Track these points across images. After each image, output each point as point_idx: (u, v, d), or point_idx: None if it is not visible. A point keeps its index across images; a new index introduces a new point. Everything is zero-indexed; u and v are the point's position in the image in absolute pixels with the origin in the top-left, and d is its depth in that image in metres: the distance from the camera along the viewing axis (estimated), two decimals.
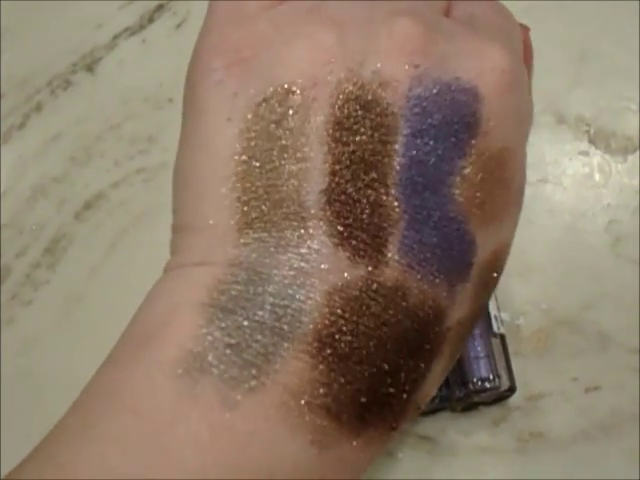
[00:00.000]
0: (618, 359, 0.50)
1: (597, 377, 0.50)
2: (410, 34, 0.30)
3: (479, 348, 0.46)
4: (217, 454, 0.27)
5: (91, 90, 0.61)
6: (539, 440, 0.49)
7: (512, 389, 0.47)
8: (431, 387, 0.31)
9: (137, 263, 0.55)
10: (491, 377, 0.46)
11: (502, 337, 0.48)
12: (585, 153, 0.55)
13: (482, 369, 0.46)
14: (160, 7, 0.62)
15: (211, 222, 0.30)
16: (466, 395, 0.46)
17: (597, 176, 0.54)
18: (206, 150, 0.31)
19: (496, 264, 0.32)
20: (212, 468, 0.27)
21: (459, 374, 0.46)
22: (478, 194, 0.30)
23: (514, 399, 0.49)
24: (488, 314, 0.47)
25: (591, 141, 0.55)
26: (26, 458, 0.28)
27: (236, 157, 0.30)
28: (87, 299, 0.55)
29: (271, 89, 0.30)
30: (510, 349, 0.48)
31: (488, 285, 0.32)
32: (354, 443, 0.29)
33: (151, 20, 0.62)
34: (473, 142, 0.30)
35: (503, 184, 0.31)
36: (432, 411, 0.49)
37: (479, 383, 0.46)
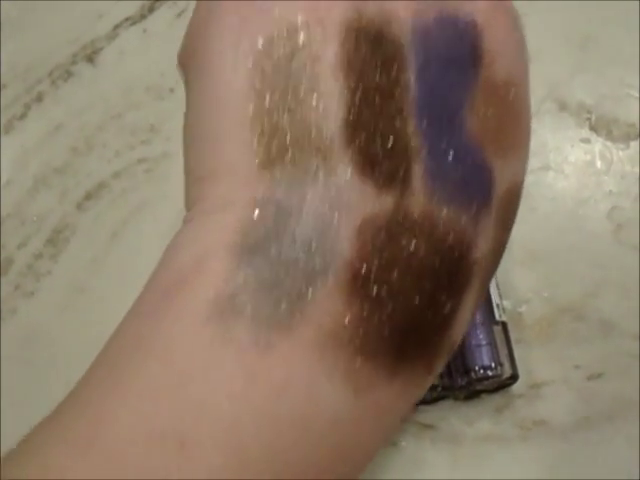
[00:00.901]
0: (621, 346, 0.50)
1: (600, 364, 0.50)
2: None
3: (481, 336, 0.46)
4: (252, 400, 0.26)
5: (92, 80, 0.61)
6: (542, 428, 0.49)
7: (514, 377, 0.47)
8: (462, 325, 0.30)
9: (139, 253, 0.55)
10: (493, 365, 0.46)
11: (504, 325, 0.48)
12: (587, 140, 0.55)
13: (484, 357, 0.46)
14: None
15: (232, 165, 0.29)
16: (468, 383, 0.46)
17: (599, 163, 0.54)
18: (218, 98, 0.30)
19: (511, 203, 0.32)
20: (247, 416, 0.26)
21: (461, 362, 0.46)
22: (491, 125, 0.30)
23: (516, 387, 0.49)
24: (490, 302, 0.47)
25: (593, 128, 0.55)
26: (57, 409, 0.28)
27: (250, 99, 0.29)
28: (89, 289, 0.55)
29: (276, 29, 0.29)
30: (512, 337, 0.48)
31: (505, 224, 0.32)
32: (391, 386, 0.28)
33: (152, 10, 0.62)
34: (479, 72, 0.30)
35: (512, 117, 0.31)
36: (434, 399, 0.49)
37: (481, 371, 0.46)
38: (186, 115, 0.32)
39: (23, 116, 0.60)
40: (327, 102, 0.29)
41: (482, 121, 0.30)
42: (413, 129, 0.29)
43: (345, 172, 0.28)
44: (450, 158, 0.29)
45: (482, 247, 0.30)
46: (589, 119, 0.55)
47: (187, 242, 0.29)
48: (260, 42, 0.29)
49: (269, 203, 0.28)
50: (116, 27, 0.62)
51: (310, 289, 0.27)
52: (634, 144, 0.54)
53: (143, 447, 0.25)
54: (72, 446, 0.26)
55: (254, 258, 0.27)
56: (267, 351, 0.26)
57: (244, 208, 0.28)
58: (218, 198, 0.29)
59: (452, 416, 0.49)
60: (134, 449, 0.25)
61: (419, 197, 0.28)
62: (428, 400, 0.48)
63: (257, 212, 0.28)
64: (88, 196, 0.57)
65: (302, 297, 0.27)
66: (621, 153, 0.54)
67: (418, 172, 0.28)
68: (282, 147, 0.29)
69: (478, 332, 0.46)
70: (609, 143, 0.54)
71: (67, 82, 0.61)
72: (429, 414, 0.49)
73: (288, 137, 0.28)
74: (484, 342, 0.46)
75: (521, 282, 0.51)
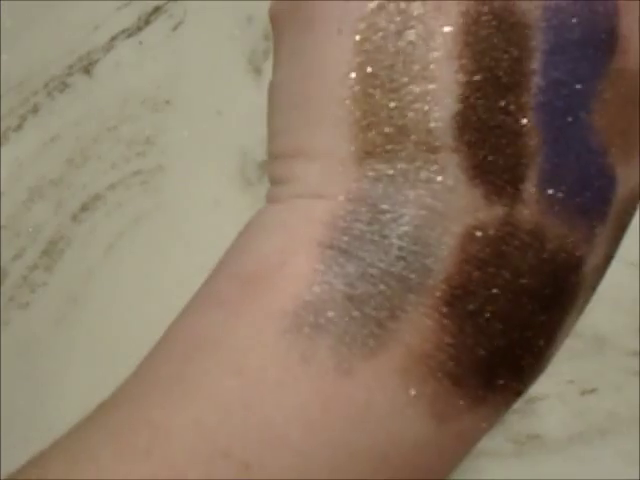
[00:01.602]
0: (615, 362, 0.50)
1: (594, 380, 0.50)
2: None
3: None
4: (327, 430, 0.24)
5: (88, 92, 0.61)
6: (536, 442, 0.49)
7: None
8: (560, 342, 0.27)
9: (134, 265, 0.55)
10: None
11: None
12: None
13: None
14: (157, 9, 0.62)
15: (327, 149, 0.26)
16: None
17: None
18: (317, 66, 0.26)
19: (633, 203, 0.28)
20: (320, 446, 0.24)
21: None
22: (620, 121, 0.26)
23: None
24: None
25: None
26: (112, 403, 0.26)
27: (352, 74, 0.25)
28: (84, 301, 0.55)
29: None
30: None
31: (623, 227, 0.28)
32: (477, 412, 0.25)
33: (148, 22, 0.62)
34: (612, 60, 0.26)
35: None
36: None
37: None
38: (276, 73, 0.29)
39: (19, 127, 0.60)
40: (439, 88, 0.25)
41: (611, 117, 0.26)
42: (532, 126, 0.25)
43: (453, 173, 0.25)
44: (571, 162, 0.25)
45: (593, 262, 0.27)
46: None
47: (272, 227, 0.27)
48: (370, 7, 0.25)
49: (366, 201, 0.25)
50: (112, 39, 0.62)
51: (402, 305, 0.24)
52: None
53: (205, 464, 0.24)
54: (128, 453, 0.24)
55: (344, 263, 0.25)
56: (348, 375, 0.24)
57: (338, 201, 0.25)
58: (310, 183, 0.26)
59: None
60: (195, 465, 0.24)
61: (531, 207, 0.25)
62: None
63: (352, 209, 0.25)
64: (84, 208, 0.57)
65: (393, 315, 0.24)
66: None
67: (533, 178, 0.25)
68: (384, 137, 0.25)
69: None
70: None
71: (63, 93, 0.61)
72: None
73: (391, 126, 0.25)
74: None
75: None
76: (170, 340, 0.27)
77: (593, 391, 0.49)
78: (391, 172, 0.25)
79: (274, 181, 0.28)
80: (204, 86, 0.60)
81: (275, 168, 0.28)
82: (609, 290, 0.51)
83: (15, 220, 0.57)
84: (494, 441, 0.49)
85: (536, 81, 0.25)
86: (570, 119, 0.25)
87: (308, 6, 0.27)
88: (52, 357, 0.54)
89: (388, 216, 0.25)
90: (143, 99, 0.60)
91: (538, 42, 0.25)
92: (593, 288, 0.28)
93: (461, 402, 0.25)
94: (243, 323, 0.25)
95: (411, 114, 0.25)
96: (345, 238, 0.25)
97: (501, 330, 0.25)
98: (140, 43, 0.62)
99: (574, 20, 0.25)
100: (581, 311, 0.28)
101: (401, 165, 0.25)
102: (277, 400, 0.24)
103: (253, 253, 0.27)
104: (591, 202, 0.26)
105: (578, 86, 0.25)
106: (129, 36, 0.62)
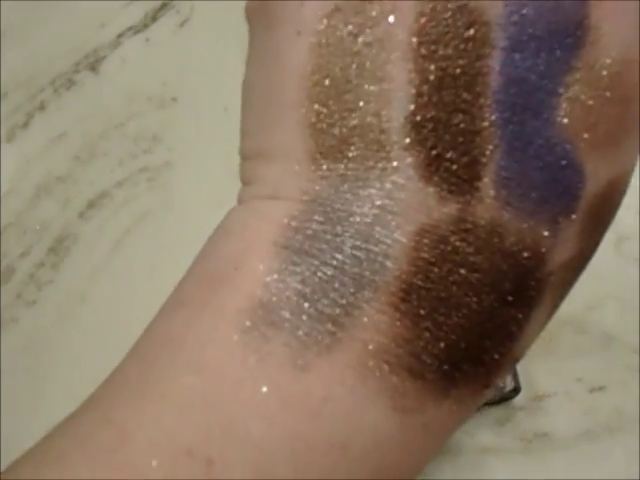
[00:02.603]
0: (622, 359, 0.50)
1: (601, 377, 0.49)
2: None
3: None
4: (286, 424, 0.24)
5: (94, 89, 0.61)
6: (543, 440, 0.49)
7: (516, 390, 0.47)
8: (530, 339, 0.27)
9: (141, 262, 0.55)
10: None
11: None
12: None
13: None
14: (164, 5, 0.62)
15: (284, 150, 0.27)
16: None
17: None
18: (276, 68, 0.27)
19: (613, 197, 0.27)
20: (279, 440, 0.24)
21: None
22: (589, 115, 0.26)
23: (518, 399, 0.49)
24: None
25: None
26: (80, 409, 0.26)
27: (308, 76, 0.26)
28: (91, 299, 0.55)
29: None
30: None
31: (602, 221, 0.28)
32: (441, 406, 0.26)
33: (155, 19, 0.62)
34: (580, 54, 0.25)
35: (619, 102, 0.26)
36: None
37: None
38: (246, 67, 0.29)
39: (25, 125, 0.60)
40: (393, 89, 0.25)
41: (580, 111, 0.26)
42: (489, 124, 0.25)
43: (406, 173, 0.25)
44: (532, 158, 0.25)
45: (560, 258, 0.26)
46: None
47: (234, 228, 0.28)
48: (328, 9, 0.26)
49: (319, 201, 0.26)
50: (119, 36, 0.62)
51: (356, 302, 0.25)
52: None
53: (169, 462, 0.24)
54: (92, 454, 0.24)
55: (299, 262, 0.25)
56: (305, 371, 0.24)
57: (294, 202, 0.26)
58: (268, 184, 0.27)
59: None
60: (159, 463, 0.24)
61: (488, 205, 0.25)
62: None
63: (306, 210, 0.26)
64: (90, 205, 0.57)
65: (347, 311, 0.25)
66: None
67: (490, 176, 0.25)
68: (338, 137, 0.26)
69: None
70: None
71: (70, 90, 0.61)
72: None
73: (345, 126, 0.26)
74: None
75: None
76: (139, 343, 0.27)
77: (601, 389, 0.49)
78: (344, 172, 0.25)
79: (242, 182, 0.29)
80: (211, 83, 0.59)
81: (243, 169, 0.29)
82: (616, 287, 0.51)
83: (22, 217, 0.57)
84: (501, 438, 0.49)
85: (494, 78, 0.25)
86: (531, 116, 0.25)
87: (271, 6, 0.27)
88: (59, 354, 0.54)
89: (341, 215, 0.25)
90: (150, 96, 0.60)
91: (497, 39, 0.25)
92: (568, 284, 0.28)
93: (423, 395, 0.25)
94: (202, 323, 0.26)
95: (365, 114, 0.25)
96: (299, 237, 0.25)
97: (459, 325, 0.25)
98: (147, 40, 0.62)
99: (537, 14, 0.25)
100: (555, 307, 0.28)
101: (354, 165, 0.25)
102: (236, 397, 0.24)
103: (214, 255, 0.27)
104: (555, 197, 0.26)
105: (540, 82, 0.25)
106: (136, 33, 0.62)
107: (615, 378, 0.49)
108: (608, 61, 0.26)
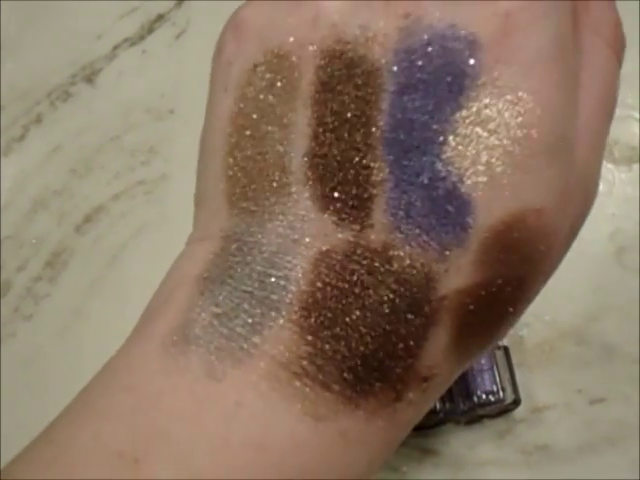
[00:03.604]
0: (623, 371, 0.49)
1: (602, 389, 0.49)
2: None
3: (483, 361, 0.46)
4: (203, 425, 0.26)
5: (91, 101, 0.61)
6: (544, 452, 0.48)
7: (516, 402, 0.47)
8: (434, 357, 0.29)
9: (138, 276, 0.55)
10: (495, 390, 0.46)
11: (506, 349, 0.48)
12: None
13: (486, 382, 0.46)
14: (160, 17, 0.62)
15: (210, 194, 0.30)
16: (470, 408, 0.46)
17: (601, 186, 0.53)
18: (209, 122, 0.31)
19: (521, 230, 0.28)
20: (197, 439, 0.26)
21: (463, 387, 0.46)
22: (480, 150, 0.27)
23: (519, 411, 0.49)
24: None
25: None
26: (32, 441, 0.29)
27: (229, 127, 0.30)
28: (88, 312, 0.55)
29: (262, 55, 0.30)
30: (514, 361, 0.48)
31: (515, 252, 0.28)
32: (354, 415, 0.28)
33: (151, 30, 0.62)
34: (471, 95, 0.28)
35: (515, 136, 0.28)
36: (436, 424, 0.48)
37: (483, 396, 0.46)
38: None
39: (22, 138, 0.60)
40: (294, 132, 0.29)
41: (471, 147, 0.27)
42: (379, 160, 0.28)
43: (304, 205, 0.28)
44: (419, 189, 0.28)
45: (456, 281, 0.28)
46: None
47: (171, 270, 0.30)
48: (247, 67, 0.30)
49: (234, 237, 0.29)
50: (115, 48, 0.62)
51: (264, 321, 0.27)
52: (636, 167, 0.54)
53: (100, 465, 0.26)
54: (33, 465, 0.27)
55: (214, 289, 0.28)
56: (218, 380, 0.27)
57: (214, 241, 0.29)
58: (200, 228, 0.31)
59: (454, 441, 0.49)
60: (92, 467, 0.26)
61: (379, 231, 0.28)
62: (429, 425, 0.48)
63: (222, 246, 0.29)
64: (87, 219, 0.57)
65: (255, 329, 0.27)
66: (623, 176, 0.54)
67: (381, 205, 0.28)
68: (248, 179, 0.29)
69: (480, 357, 0.46)
70: (611, 165, 0.54)
71: (66, 103, 0.61)
72: (431, 439, 0.49)
73: (254, 168, 0.29)
74: (486, 367, 0.46)
75: None
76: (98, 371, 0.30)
77: (602, 400, 0.49)
78: (254, 208, 0.29)
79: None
80: (207, 95, 0.59)
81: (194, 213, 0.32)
82: (617, 298, 0.51)
83: (18, 231, 0.57)
84: (502, 451, 0.49)
85: (384, 119, 0.28)
86: (419, 152, 0.28)
87: (213, 68, 0.32)
88: (56, 368, 0.54)
89: (250, 246, 0.28)
90: (146, 108, 0.60)
91: (388, 84, 0.28)
92: (469, 311, 0.29)
93: (333, 404, 0.27)
94: (134, 349, 0.28)
95: (270, 157, 0.29)
96: (217, 270, 0.28)
97: (358, 339, 0.27)
98: (143, 52, 0.62)
99: (425, 60, 0.28)
100: (461, 332, 0.29)
101: (261, 202, 0.29)
102: (159, 405, 0.27)
103: (155, 294, 0.30)
104: (442, 226, 0.28)
105: (427, 122, 0.28)
106: (132, 45, 0.62)
107: (616, 390, 0.49)
108: (502, 99, 0.28)
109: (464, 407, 0.46)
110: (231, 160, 0.30)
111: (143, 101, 0.60)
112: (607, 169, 0.54)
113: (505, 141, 0.28)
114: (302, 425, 0.27)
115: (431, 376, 0.29)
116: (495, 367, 0.46)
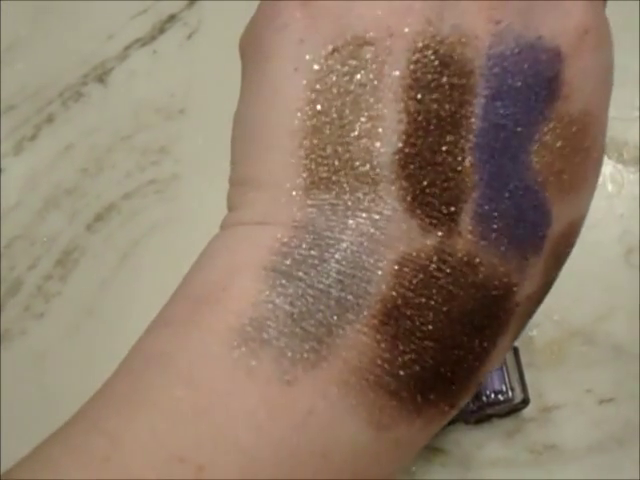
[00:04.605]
0: (632, 370, 0.49)
1: (611, 388, 0.49)
2: None
3: None
4: (272, 433, 0.26)
5: (102, 101, 0.61)
6: (553, 452, 0.48)
7: (526, 401, 0.47)
8: (494, 363, 0.29)
9: (149, 275, 0.55)
10: (504, 389, 0.46)
11: (515, 349, 0.48)
12: None
13: (495, 381, 0.46)
14: (171, 17, 0.62)
15: (276, 179, 0.28)
16: (479, 408, 0.46)
17: (610, 186, 0.54)
18: (272, 101, 0.29)
19: (570, 237, 0.30)
20: (266, 447, 0.26)
21: None
22: (557, 162, 0.28)
23: (528, 411, 0.48)
24: None
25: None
26: (70, 420, 0.27)
27: (304, 111, 0.28)
28: (99, 311, 0.55)
29: (342, 39, 0.28)
30: (523, 361, 0.48)
31: (560, 259, 0.30)
32: (413, 423, 0.27)
33: (162, 31, 0.62)
34: (554, 106, 0.28)
35: (583, 151, 0.29)
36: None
37: (492, 396, 0.46)
38: (239, 101, 0.31)
39: (33, 137, 0.60)
40: (383, 127, 0.27)
41: (549, 158, 0.28)
42: (470, 164, 0.27)
43: (391, 205, 0.27)
44: (507, 198, 0.28)
45: (528, 289, 0.29)
46: None
47: (222, 251, 0.29)
48: (325, 51, 0.28)
49: (309, 228, 0.27)
50: (126, 48, 0.62)
51: (340, 323, 0.26)
52: None
53: (161, 468, 0.25)
54: (86, 461, 0.25)
55: (286, 284, 0.27)
56: (291, 385, 0.26)
57: (283, 228, 0.28)
58: (258, 211, 0.29)
59: (463, 440, 0.49)
60: (152, 469, 0.25)
61: (465, 239, 0.27)
62: None
63: (295, 236, 0.27)
64: (98, 217, 0.57)
65: (331, 331, 0.26)
66: (632, 176, 0.54)
67: (469, 212, 0.27)
68: (329, 169, 0.28)
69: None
70: (620, 166, 0.54)
71: (77, 103, 0.61)
72: (440, 438, 0.49)
73: (337, 159, 0.28)
74: (495, 366, 0.46)
75: None
76: (127, 359, 0.29)
77: (611, 400, 0.49)
78: (334, 202, 0.28)
79: (229, 208, 0.30)
80: (218, 94, 0.59)
81: (231, 195, 0.31)
82: (626, 299, 0.51)
83: (30, 230, 0.57)
84: (511, 450, 0.49)
85: (477, 123, 0.27)
86: (507, 160, 0.28)
87: (269, 42, 0.30)
88: (66, 367, 0.54)
89: (328, 242, 0.27)
90: (157, 108, 0.60)
91: (480, 88, 0.28)
92: (529, 314, 0.30)
93: (397, 413, 0.27)
94: (192, 340, 0.27)
95: (356, 149, 0.28)
96: (287, 262, 0.27)
97: (433, 349, 0.27)
98: (154, 52, 0.62)
99: (516, 68, 0.28)
100: (517, 335, 0.30)
101: (344, 195, 0.27)
102: (226, 408, 0.26)
103: (200, 279, 0.29)
104: (525, 235, 0.28)
105: (517, 129, 0.28)
106: (143, 45, 0.62)
107: (625, 389, 0.49)
108: (576, 114, 0.29)
109: (473, 406, 0.46)
110: (309, 146, 0.28)
111: (154, 101, 0.60)
112: (616, 170, 0.54)
113: (574, 157, 0.29)
114: (364, 435, 0.27)
115: (484, 379, 0.30)
116: (504, 367, 0.46)
